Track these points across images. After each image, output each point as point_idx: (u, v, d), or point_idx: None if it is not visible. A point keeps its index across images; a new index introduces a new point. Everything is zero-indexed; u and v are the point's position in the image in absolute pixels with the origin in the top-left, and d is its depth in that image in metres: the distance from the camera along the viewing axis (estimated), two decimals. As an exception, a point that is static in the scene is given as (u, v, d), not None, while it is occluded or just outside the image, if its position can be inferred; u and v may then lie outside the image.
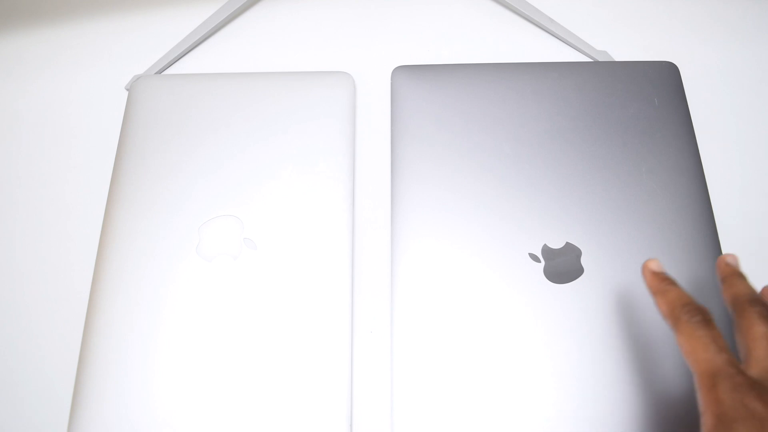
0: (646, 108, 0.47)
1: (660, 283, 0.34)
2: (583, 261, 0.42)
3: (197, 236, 0.43)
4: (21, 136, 0.51)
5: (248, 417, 0.39)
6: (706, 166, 0.46)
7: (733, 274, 0.35)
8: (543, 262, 0.42)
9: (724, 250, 0.43)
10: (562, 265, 0.42)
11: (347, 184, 0.45)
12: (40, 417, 0.42)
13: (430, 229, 0.43)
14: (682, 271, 0.42)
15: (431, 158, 0.45)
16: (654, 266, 0.35)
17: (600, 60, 0.51)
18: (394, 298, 0.42)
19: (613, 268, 0.42)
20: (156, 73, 0.52)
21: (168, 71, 0.53)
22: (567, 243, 0.43)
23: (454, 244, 0.43)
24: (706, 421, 0.29)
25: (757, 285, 0.44)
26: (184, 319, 0.41)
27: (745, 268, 0.44)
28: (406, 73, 0.49)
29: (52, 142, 0.50)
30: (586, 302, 0.41)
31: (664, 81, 0.48)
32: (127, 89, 0.52)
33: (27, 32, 0.55)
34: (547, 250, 0.43)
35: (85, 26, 0.55)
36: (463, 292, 0.41)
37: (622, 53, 0.52)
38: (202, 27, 0.53)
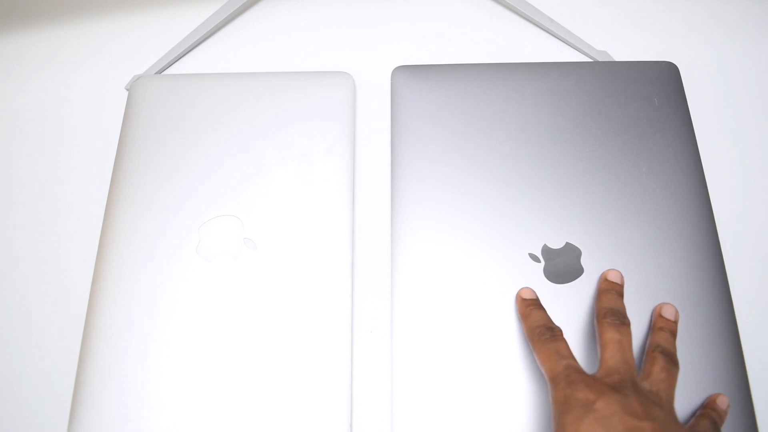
0: (646, 108, 0.47)
1: (525, 308, 0.40)
2: (583, 261, 0.42)
3: (197, 236, 0.43)
4: (21, 136, 0.51)
5: (248, 417, 0.39)
6: (706, 166, 0.46)
7: (605, 291, 0.40)
8: (543, 262, 0.42)
9: (724, 250, 0.43)
10: (562, 265, 0.42)
11: (347, 184, 0.45)
12: (40, 417, 0.42)
13: (430, 229, 0.43)
14: (681, 270, 0.42)
15: (431, 158, 0.45)
16: (524, 294, 0.41)
17: (600, 60, 0.51)
18: (394, 298, 0.42)
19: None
20: (156, 73, 0.52)
21: (168, 71, 0.53)
22: (567, 243, 0.43)
23: (454, 244, 0.43)
24: (552, 417, 0.34)
25: (758, 284, 0.44)
26: (184, 319, 0.41)
27: (746, 267, 0.44)
28: (406, 73, 0.49)
29: (52, 142, 0.50)
30: (586, 302, 0.41)
31: (664, 81, 0.48)
32: (127, 89, 0.52)
33: (27, 32, 0.55)
34: (547, 250, 0.43)
35: (85, 26, 0.55)
36: (463, 293, 0.41)
37: (622, 53, 0.52)
38: (202, 27, 0.53)
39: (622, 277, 0.41)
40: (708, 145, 0.47)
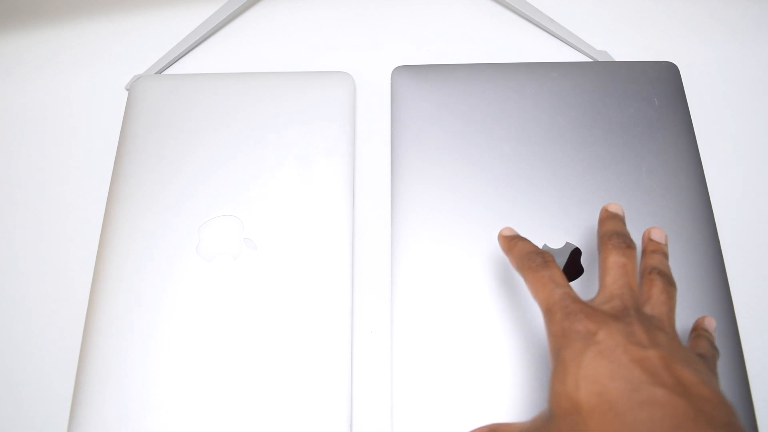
0: (646, 108, 0.47)
1: (509, 242, 0.36)
2: (583, 261, 0.42)
3: (197, 236, 0.43)
4: (21, 137, 0.51)
5: (248, 417, 0.39)
6: (706, 166, 0.46)
7: (608, 217, 0.37)
8: (543, 262, 0.42)
9: (724, 250, 0.43)
10: (562, 265, 0.42)
11: (347, 184, 0.45)
12: (40, 417, 0.42)
13: (430, 229, 0.43)
14: (682, 270, 0.42)
15: (431, 158, 0.45)
16: (506, 232, 0.37)
17: (600, 60, 0.51)
18: (394, 298, 0.42)
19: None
20: (156, 73, 0.52)
21: (168, 71, 0.53)
22: (567, 243, 0.43)
23: (454, 244, 0.43)
24: (549, 351, 0.31)
25: (758, 284, 0.44)
26: (184, 319, 0.41)
27: (746, 267, 0.44)
28: (406, 73, 0.49)
29: (52, 142, 0.50)
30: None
31: (664, 81, 0.48)
32: (127, 89, 0.52)
33: (27, 32, 0.55)
34: (547, 250, 0.42)
35: (85, 26, 0.55)
36: (463, 292, 0.41)
37: (622, 53, 0.52)
38: (202, 27, 0.53)
39: (622, 210, 0.38)
40: (708, 145, 0.47)
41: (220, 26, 0.54)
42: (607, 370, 0.28)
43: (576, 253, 0.42)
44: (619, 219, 0.37)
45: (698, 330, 0.36)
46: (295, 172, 0.45)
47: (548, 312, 0.32)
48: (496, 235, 0.39)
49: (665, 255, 0.36)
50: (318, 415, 0.39)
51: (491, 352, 0.40)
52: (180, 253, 0.43)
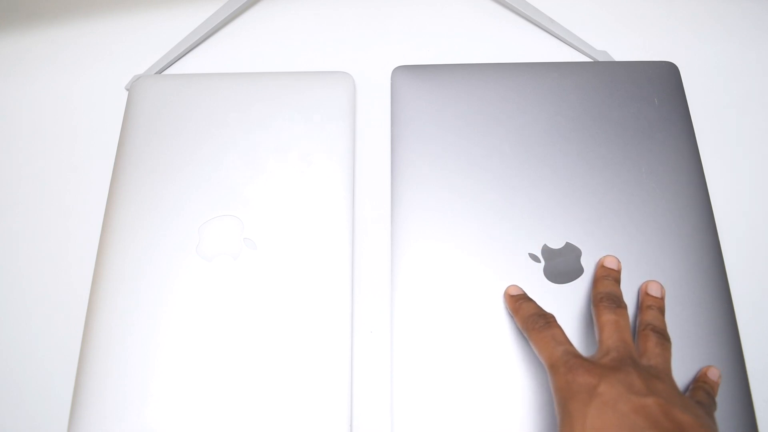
0: (646, 108, 0.47)
1: (515, 303, 0.40)
2: (583, 261, 0.42)
3: (197, 236, 0.43)
4: (21, 136, 0.51)
5: (248, 417, 0.39)
6: (706, 166, 0.46)
7: (602, 277, 0.40)
8: (543, 262, 0.42)
9: (724, 251, 0.43)
10: (562, 265, 0.42)
11: (347, 184, 0.45)
12: (40, 417, 0.42)
13: (430, 229, 0.43)
14: (681, 271, 0.42)
15: (431, 158, 0.45)
16: (512, 291, 0.41)
17: (600, 60, 0.51)
18: (394, 298, 0.42)
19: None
20: (156, 73, 0.52)
21: (168, 71, 0.53)
22: (567, 243, 0.43)
23: (454, 244, 0.43)
24: (555, 405, 0.34)
25: (758, 284, 0.44)
26: (184, 319, 0.41)
27: (746, 267, 0.44)
28: (406, 73, 0.49)
29: (52, 142, 0.50)
30: (586, 302, 0.41)
31: (664, 81, 0.48)
32: (127, 89, 0.52)
33: (27, 32, 0.55)
34: (547, 250, 0.43)
35: (85, 26, 0.55)
36: (463, 293, 0.41)
37: (622, 53, 0.52)
38: (202, 27, 0.53)
39: (618, 263, 0.41)
40: (708, 145, 0.48)
41: (220, 26, 0.54)
42: (611, 420, 0.30)
43: (576, 253, 0.42)
44: (613, 279, 0.40)
45: (698, 382, 0.38)
46: (295, 172, 0.45)
47: (552, 368, 0.34)
48: (503, 292, 0.41)
49: (660, 309, 0.39)
50: (318, 415, 0.39)
51: (491, 351, 0.40)
52: (180, 253, 0.43)
